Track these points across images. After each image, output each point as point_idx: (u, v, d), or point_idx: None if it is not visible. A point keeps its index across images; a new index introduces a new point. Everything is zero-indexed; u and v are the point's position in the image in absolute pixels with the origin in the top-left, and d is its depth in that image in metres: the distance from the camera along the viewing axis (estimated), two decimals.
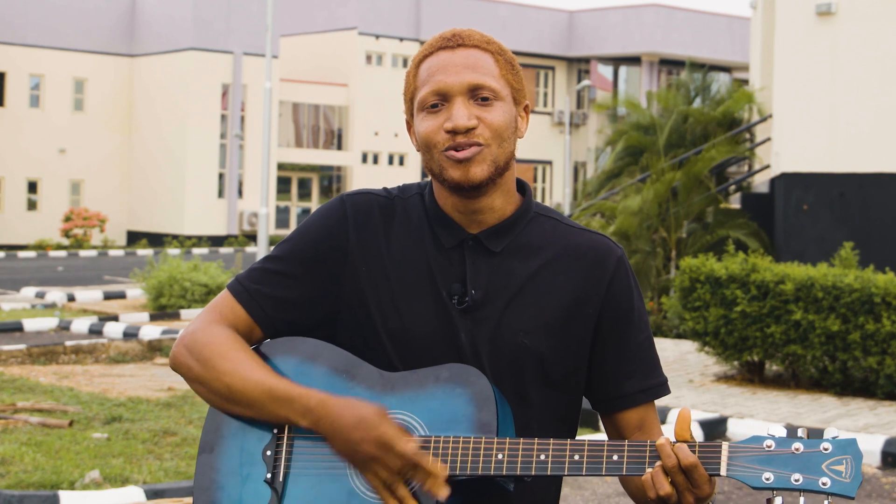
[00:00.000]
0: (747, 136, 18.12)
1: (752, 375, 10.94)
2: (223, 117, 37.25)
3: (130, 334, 14.30)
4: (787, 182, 13.94)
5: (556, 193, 45.42)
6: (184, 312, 16.52)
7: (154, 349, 12.79)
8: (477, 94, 2.07)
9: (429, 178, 2.20)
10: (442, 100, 2.07)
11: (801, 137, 13.84)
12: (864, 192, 13.42)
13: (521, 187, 2.19)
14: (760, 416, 9.28)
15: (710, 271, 10.73)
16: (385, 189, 2.21)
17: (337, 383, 2.05)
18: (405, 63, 42.21)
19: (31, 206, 36.32)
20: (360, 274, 2.12)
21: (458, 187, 2.06)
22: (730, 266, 10.67)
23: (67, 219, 34.57)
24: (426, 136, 2.08)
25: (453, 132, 2.05)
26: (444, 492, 1.93)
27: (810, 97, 13.72)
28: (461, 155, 2.04)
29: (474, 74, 2.07)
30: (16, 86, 35.83)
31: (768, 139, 16.64)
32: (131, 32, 37.86)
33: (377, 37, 41.57)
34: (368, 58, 41.68)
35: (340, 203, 2.17)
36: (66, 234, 34.45)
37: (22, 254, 32.10)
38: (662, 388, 2.17)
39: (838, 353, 10.03)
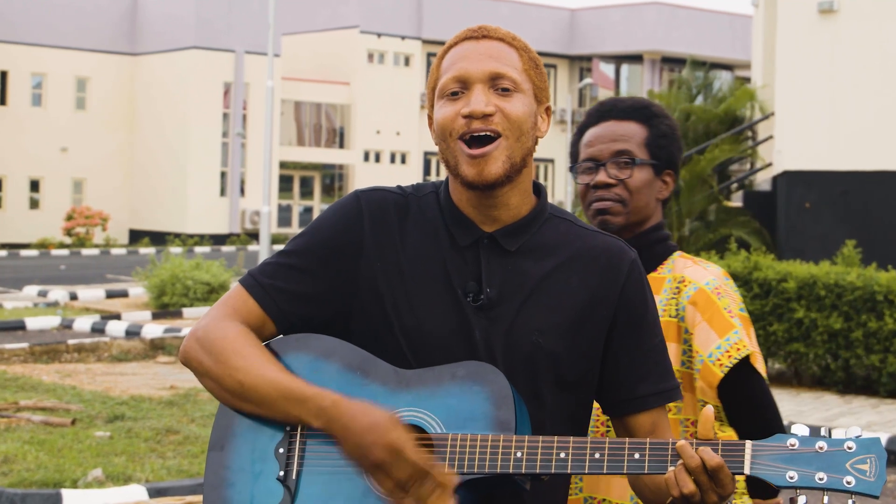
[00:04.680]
0: (749, 133, 18.10)
1: None
2: (225, 116, 37.26)
3: (133, 333, 14.30)
4: (790, 180, 13.93)
5: (559, 192, 45.42)
6: (186, 311, 16.53)
7: (156, 347, 12.78)
8: (497, 84, 2.05)
9: (436, 179, 2.18)
10: (462, 87, 2.05)
11: (803, 135, 13.84)
12: (866, 190, 13.40)
13: (537, 189, 2.16)
14: None
15: None
16: (399, 187, 2.19)
17: (351, 380, 2.02)
18: (407, 61, 42.23)
19: (34, 204, 36.35)
20: (374, 270, 2.09)
21: (472, 185, 2.05)
22: (732, 264, 10.66)
23: (70, 217, 34.57)
24: (442, 122, 2.06)
25: (470, 117, 2.02)
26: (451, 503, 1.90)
27: (812, 95, 13.71)
28: (477, 151, 2.02)
29: (496, 63, 2.05)
30: (18, 85, 35.85)
31: (770, 137, 16.61)
32: (133, 31, 37.87)
33: (379, 35, 41.57)
34: (370, 56, 41.68)
35: (355, 199, 2.14)
36: (69, 232, 34.45)
37: (24, 252, 32.11)
38: (675, 392, 2.15)
39: (841, 351, 10.03)
